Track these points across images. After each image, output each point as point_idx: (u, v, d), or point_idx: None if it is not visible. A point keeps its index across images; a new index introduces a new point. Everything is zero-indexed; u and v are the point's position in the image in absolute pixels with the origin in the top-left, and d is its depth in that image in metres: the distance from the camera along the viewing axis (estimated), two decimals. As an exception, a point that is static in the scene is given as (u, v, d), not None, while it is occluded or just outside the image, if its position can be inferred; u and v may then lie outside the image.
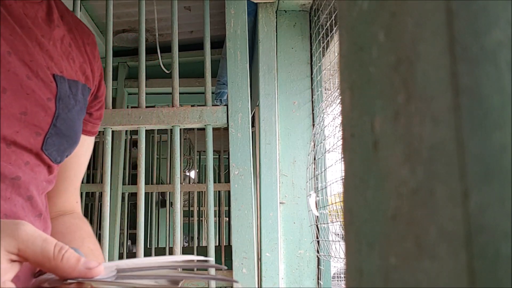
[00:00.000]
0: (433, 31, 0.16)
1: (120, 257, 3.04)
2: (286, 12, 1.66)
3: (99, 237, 1.21)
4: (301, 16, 1.66)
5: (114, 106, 2.58)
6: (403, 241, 0.17)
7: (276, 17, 1.65)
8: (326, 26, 1.45)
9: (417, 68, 0.17)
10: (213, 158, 1.65)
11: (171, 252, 1.59)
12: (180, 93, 1.49)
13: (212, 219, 1.40)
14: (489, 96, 0.15)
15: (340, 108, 0.23)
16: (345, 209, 0.22)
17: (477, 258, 0.14)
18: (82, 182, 3.42)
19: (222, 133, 3.69)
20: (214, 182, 3.55)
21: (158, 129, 3.32)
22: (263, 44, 1.61)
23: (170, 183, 3.33)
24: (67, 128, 0.64)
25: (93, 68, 0.74)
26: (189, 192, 4.87)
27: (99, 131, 1.64)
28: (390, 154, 0.18)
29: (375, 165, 0.19)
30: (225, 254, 3.01)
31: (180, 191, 1.44)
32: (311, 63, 1.64)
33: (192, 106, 2.26)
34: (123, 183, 2.91)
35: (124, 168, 2.97)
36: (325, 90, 1.64)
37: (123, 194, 2.99)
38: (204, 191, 3.66)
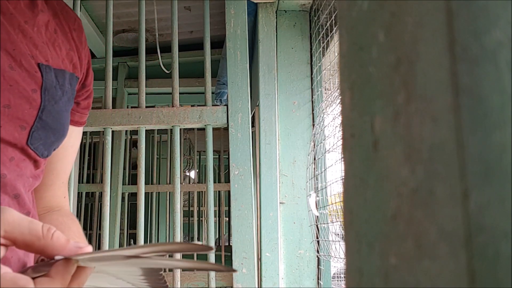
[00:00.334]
0: (433, 31, 0.16)
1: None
2: (286, 12, 1.66)
3: (99, 237, 1.21)
4: (301, 16, 1.66)
5: (114, 106, 2.58)
6: (403, 241, 0.17)
7: (276, 17, 1.65)
8: (326, 26, 1.45)
9: (417, 68, 0.17)
10: (213, 158, 1.65)
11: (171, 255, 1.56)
12: (180, 93, 1.49)
13: (212, 219, 1.40)
14: (489, 96, 0.15)
15: (340, 108, 0.23)
16: (345, 209, 0.22)
17: (477, 258, 0.14)
18: (82, 182, 3.41)
19: (222, 133, 3.69)
20: (214, 182, 3.55)
21: (158, 129, 3.32)
22: (263, 44, 1.61)
23: (170, 183, 3.33)
24: (53, 121, 0.61)
25: (80, 55, 0.69)
26: (189, 192, 4.87)
27: (99, 131, 1.63)
28: (390, 154, 0.18)
29: (375, 165, 0.19)
30: (225, 254, 3.00)
31: (180, 191, 1.44)
32: (311, 63, 1.64)
33: (192, 106, 2.26)
34: (123, 183, 2.91)
35: (124, 168, 2.97)
36: (325, 90, 1.64)
37: (123, 194, 2.99)
38: (204, 191, 3.66)
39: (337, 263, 1.72)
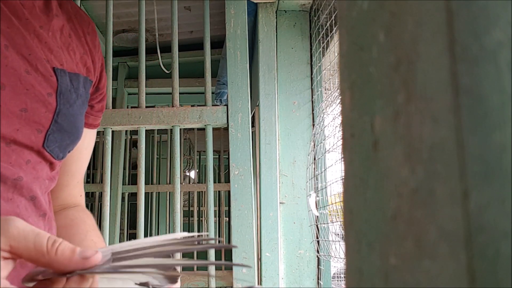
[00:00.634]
0: (433, 31, 0.16)
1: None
2: (286, 12, 1.66)
3: (99, 237, 1.21)
4: (301, 16, 1.66)
5: (114, 106, 2.58)
6: (403, 241, 0.17)
7: (276, 17, 1.65)
8: (326, 26, 1.45)
9: (417, 68, 0.17)
10: (213, 158, 1.65)
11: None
12: (180, 93, 1.49)
13: (212, 219, 1.40)
14: (489, 96, 0.15)
15: (340, 108, 0.23)
16: (345, 209, 0.22)
17: (477, 258, 0.14)
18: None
19: (222, 133, 3.69)
20: (214, 182, 3.55)
21: (158, 129, 3.32)
22: (263, 44, 1.61)
23: (170, 183, 3.33)
24: (68, 124, 0.62)
25: (94, 59, 0.71)
26: (189, 192, 4.87)
27: (99, 131, 1.64)
28: (390, 154, 0.18)
29: (375, 165, 0.19)
30: (225, 254, 3.01)
31: (180, 191, 1.44)
32: (311, 63, 1.64)
33: (192, 106, 2.26)
34: (123, 183, 2.91)
35: (124, 168, 2.97)
36: (325, 90, 1.64)
37: (123, 194, 2.99)
38: (204, 191, 3.66)
39: (337, 263, 1.72)
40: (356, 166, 0.21)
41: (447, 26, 0.16)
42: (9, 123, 0.55)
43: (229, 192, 1.50)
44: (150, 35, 2.41)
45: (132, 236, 4.04)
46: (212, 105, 1.43)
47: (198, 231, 3.85)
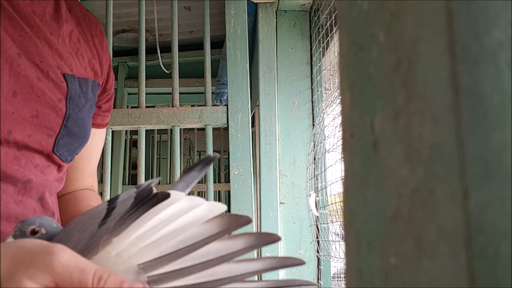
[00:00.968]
0: (433, 31, 0.16)
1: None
2: (286, 12, 1.66)
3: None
4: (301, 16, 1.66)
5: (114, 106, 2.58)
6: (403, 241, 0.17)
7: (276, 17, 1.65)
8: (326, 26, 1.45)
9: (417, 68, 0.17)
10: (213, 158, 1.64)
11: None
12: (180, 93, 1.49)
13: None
14: (489, 96, 0.15)
15: (340, 108, 0.23)
16: (345, 209, 0.22)
17: (477, 258, 0.14)
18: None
19: (222, 133, 3.69)
20: (214, 182, 3.55)
21: (158, 129, 3.32)
22: (263, 44, 1.61)
23: (170, 183, 3.33)
24: (77, 128, 0.64)
25: (101, 61, 0.72)
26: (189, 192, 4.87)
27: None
28: (390, 154, 0.18)
29: (375, 165, 0.19)
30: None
31: (180, 191, 1.44)
32: (311, 63, 1.64)
33: (192, 106, 2.26)
34: (123, 183, 2.91)
35: (124, 168, 2.97)
36: (325, 90, 1.64)
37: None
38: (204, 191, 3.66)
39: (337, 263, 1.72)
40: (356, 166, 0.21)
41: (447, 26, 0.16)
42: (22, 129, 0.57)
43: (229, 192, 1.50)
44: (150, 35, 2.41)
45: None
46: (212, 105, 1.43)
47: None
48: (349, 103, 0.21)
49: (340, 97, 0.23)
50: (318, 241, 1.54)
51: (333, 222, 1.50)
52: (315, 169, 1.55)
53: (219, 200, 4.01)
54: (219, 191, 3.93)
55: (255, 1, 1.60)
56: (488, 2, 0.15)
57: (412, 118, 0.17)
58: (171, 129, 1.45)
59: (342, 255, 1.35)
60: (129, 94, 2.78)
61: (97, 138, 0.77)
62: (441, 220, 0.15)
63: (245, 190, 1.35)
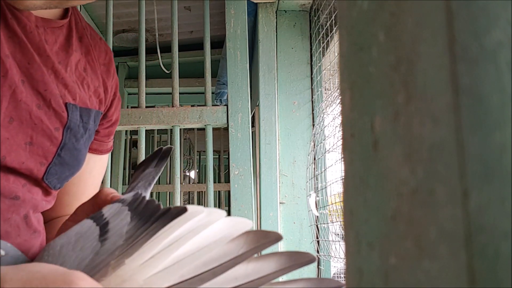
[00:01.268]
0: (433, 31, 0.16)
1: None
2: (286, 12, 1.66)
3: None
4: (301, 16, 1.66)
5: (114, 106, 2.58)
6: (403, 241, 0.17)
7: (276, 17, 1.65)
8: (326, 26, 1.45)
9: (417, 68, 0.17)
10: (213, 158, 1.65)
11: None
12: (180, 93, 1.49)
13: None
14: (489, 96, 0.15)
15: (340, 108, 0.23)
16: (345, 209, 0.22)
17: (477, 258, 0.14)
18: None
19: (222, 133, 3.69)
20: (214, 182, 3.55)
21: (158, 129, 3.32)
22: (263, 44, 1.61)
23: (170, 183, 3.33)
24: (71, 157, 0.64)
25: (106, 89, 0.72)
26: (189, 192, 4.87)
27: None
28: (390, 154, 0.18)
29: (375, 165, 0.19)
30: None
31: (180, 191, 1.44)
32: (311, 63, 1.64)
33: (192, 106, 2.26)
34: (123, 183, 2.91)
35: (124, 168, 2.97)
36: (325, 90, 1.64)
37: (123, 194, 2.99)
38: (204, 191, 3.66)
39: (337, 263, 1.72)
40: (356, 166, 0.21)
41: (447, 26, 0.16)
42: (16, 155, 0.57)
43: (229, 192, 1.50)
44: (150, 35, 2.41)
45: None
46: (212, 105, 1.43)
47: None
48: (349, 103, 0.21)
49: (340, 97, 0.23)
50: (318, 241, 1.54)
51: (333, 222, 1.50)
52: (315, 169, 1.55)
53: (219, 200, 4.01)
54: (219, 191, 3.93)
55: (255, 1, 1.60)
56: (488, 2, 0.15)
57: (412, 118, 0.17)
58: (171, 129, 1.45)
59: (342, 255, 1.35)
60: (129, 94, 2.78)
61: (93, 164, 0.75)
62: (441, 220, 0.15)
63: (245, 190, 1.35)
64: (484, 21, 0.15)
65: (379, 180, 0.19)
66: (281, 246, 1.56)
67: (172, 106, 1.44)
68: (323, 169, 1.51)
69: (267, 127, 1.57)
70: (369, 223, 0.19)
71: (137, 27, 1.93)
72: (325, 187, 1.50)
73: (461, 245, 0.15)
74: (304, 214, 1.57)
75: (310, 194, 1.56)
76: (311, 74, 1.63)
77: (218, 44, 2.35)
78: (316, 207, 1.55)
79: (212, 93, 2.05)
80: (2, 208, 0.55)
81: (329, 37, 1.44)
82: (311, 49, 1.65)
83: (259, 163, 1.59)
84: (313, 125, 1.60)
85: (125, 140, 2.93)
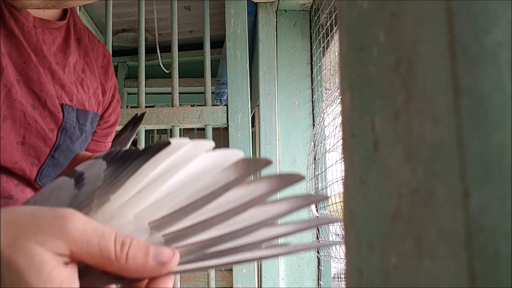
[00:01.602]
0: (433, 31, 0.16)
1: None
2: (286, 12, 1.66)
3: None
4: (301, 16, 1.66)
5: (114, 106, 2.58)
6: (403, 241, 0.17)
7: (276, 17, 1.65)
8: (326, 26, 1.45)
9: (417, 68, 0.17)
10: (213, 158, 1.64)
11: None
12: (180, 93, 1.49)
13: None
14: (489, 96, 0.15)
15: (340, 108, 0.23)
16: (345, 209, 0.22)
17: (477, 258, 0.14)
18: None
19: (222, 133, 3.68)
20: (214, 182, 3.54)
21: (158, 129, 3.32)
22: (263, 44, 1.61)
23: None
24: (65, 159, 0.63)
25: (104, 90, 0.72)
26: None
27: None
28: (390, 154, 0.18)
29: (375, 165, 0.19)
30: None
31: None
32: (311, 63, 1.64)
33: (192, 106, 2.26)
34: (123, 183, 2.90)
35: (124, 168, 2.96)
36: (325, 90, 1.64)
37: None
38: (204, 191, 3.65)
39: (338, 264, 1.72)
40: (356, 166, 0.21)
41: (447, 26, 0.16)
42: (10, 155, 0.57)
43: (229, 192, 1.49)
44: (150, 35, 2.41)
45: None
46: (212, 105, 1.43)
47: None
48: (349, 103, 0.21)
49: (340, 97, 0.23)
50: (318, 241, 1.53)
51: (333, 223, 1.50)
52: (315, 169, 1.55)
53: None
54: (219, 191, 3.92)
55: (255, 1, 1.60)
56: (488, 2, 0.15)
57: (412, 118, 0.17)
58: (171, 129, 1.45)
59: (342, 256, 1.35)
60: (128, 94, 2.78)
61: None
62: (441, 220, 0.15)
63: (245, 190, 1.35)
64: (484, 21, 0.15)
65: (379, 180, 0.19)
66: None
67: (172, 106, 1.44)
68: (323, 169, 1.51)
69: (267, 127, 1.57)
70: (369, 223, 0.19)
71: (137, 26, 1.94)
72: (325, 187, 1.50)
73: (461, 245, 0.15)
74: (304, 214, 1.57)
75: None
76: (311, 74, 1.63)
77: (218, 44, 2.35)
78: (316, 207, 1.55)
79: (212, 93, 2.05)
80: None
81: (329, 37, 1.44)
82: (311, 48, 1.65)
83: (259, 163, 1.59)
84: (313, 125, 1.60)
85: (125, 140, 2.93)
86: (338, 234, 1.65)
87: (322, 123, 1.53)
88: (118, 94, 0.77)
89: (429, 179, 0.16)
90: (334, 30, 1.39)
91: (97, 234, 0.33)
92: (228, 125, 1.40)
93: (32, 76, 0.59)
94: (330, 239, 1.46)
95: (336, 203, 1.45)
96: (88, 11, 2.24)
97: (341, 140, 0.23)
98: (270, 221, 0.35)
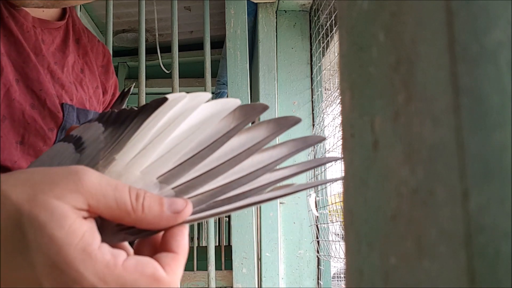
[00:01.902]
0: (433, 31, 0.16)
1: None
2: (286, 12, 1.66)
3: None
4: (301, 16, 1.66)
5: (114, 106, 2.58)
6: (403, 241, 0.17)
7: (276, 17, 1.65)
8: (326, 26, 1.45)
9: (417, 68, 0.17)
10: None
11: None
12: (180, 93, 1.49)
13: (212, 219, 1.40)
14: (489, 96, 0.15)
15: (340, 108, 0.23)
16: (345, 209, 0.22)
17: (477, 258, 0.14)
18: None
19: (222, 133, 3.68)
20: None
21: (158, 129, 3.31)
22: (263, 44, 1.61)
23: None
24: None
25: (105, 90, 0.73)
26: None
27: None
28: (390, 154, 0.18)
29: (375, 165, 0.19)
30: (225, 254, 3.01)
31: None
32: (311, 63, 1.64)
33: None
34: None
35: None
36: (325, 90, 1.64)
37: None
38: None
39: (337, 263, 1.72)
40: (356, 166, 0.21)
41: (447, 26, 0.16)
42: (9, 154, 0.57)
43: (229, 192, 1.49)
44: (150, 35, 2.41)
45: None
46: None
47: (198, 231, 3.84)
48: (349, 103, 0.21)
49: (340, 97, 0.23)
50: (318, 241, 1.54)
51: (333, 222, 1.50)
52: (315, 169, 1.55)
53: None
54: (219, 191, 3.92)
55: (255, 1, 1.60)
56: (488, 2, 0.15)
57: (412, 118, 0.17)
58: (171, 129, 1.45)
59: (342, 255, 1.35)
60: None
61: None
62: (441, 220, 0.15)
63: (245, 190, 1.35)
64: (484, 21, 0.15)
65: (379, 180, 0.19)
66: (281, 246, 1.56)
67: (172, 106, 1.44)
68: (323, 169, 1.51)
69: (267, 127, 1.57)
70: (369, 223, 0.19)
71: (137, 27, 1.94)
72: (325, 187, 1.50)
73: (461, 245, 0.15)
74: (304, 214, 1.57)
75: (310, 194, 1.55)
76: (311, 74, 1.63)
77: (218, 44, 2.35)
78: (316, 207, 1.55)
79: (212, 93, 2.05)
80: None
81: (329, 37, 1.44)
82: (311, 49, 1.65)
83: (259, 163, 1.59)
84: (313, 125, 1.60)
85: (125, 140, 2.93)
86: (338, 234, 1.65)
87: (322, 123, 1.53)
88: (119, 93, 0.78)
89: (429, 179, 0.16)
90: (334, 31, 1.39)
91: (111, 187, 0.33)
92: (228, 125, 1.40)
93: (31, 75, 0.59)
94: (330, 238, 1.46)
95: (336, 203, 1.45)
96: (88, 11, 2.24)
97: (341, 140, 0.23)
98: (272, 165, 0.36)
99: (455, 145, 0.15)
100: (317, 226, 1.54)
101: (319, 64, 1.59)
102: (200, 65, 1.68)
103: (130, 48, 2.64)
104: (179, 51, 1.51)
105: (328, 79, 1.64)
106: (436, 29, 0.16)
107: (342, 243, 1.35)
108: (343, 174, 0.22)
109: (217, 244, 3.93)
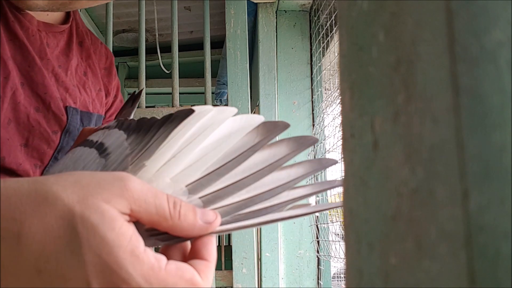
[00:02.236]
0: (433, 31, 0.16)
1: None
2: (286, 12, 1.66)
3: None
4: (301, 16, 1.66)
5: (114, 106, 2.58)
6: (403, 241, 0.17)
7: (276, 17, 1.65)
8: (326, 26, 1.45)
9: (417, 68, 0.17)
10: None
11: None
12: (180, 93, 1.49)
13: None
14: (489, 96, 0.15)
15: (340, 108, 0.23)
16: (345, 209, 0.22)
17: (477, 258, 0.14)
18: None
19: (222, 133, 3.68)
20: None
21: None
22: (263, 44, 1.61)
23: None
24: None
25: (108, 92, 0.73)
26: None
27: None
28: (390, 154, 0.18)
29: (375, 165, 0.19)
30: (225, 254, 3.01)
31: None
32: (311, 63, 1.64)
33: (192, 106, 2.26)
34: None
35: (124, 168, 2.96)
36: (325, 90, 1.64)
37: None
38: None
39: (337, 263, 1.72)
40: (356, 166, 0.21)
41: (447, 26, 0.16)
42: (14, 157, 0.57)
43: (229, 192, 1.49)
44: (150, 35, 2.41)
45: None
46: (212, 105, 1.43)
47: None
48: (349, 103, 0.21)
49: (340, 97, 0.23)
50: (318, 241, 1.54)
51: (333, 222, 1.50)
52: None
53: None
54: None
55: (255, 1, 1.60)
56: (488, 2, 0.15)
57: (412, 118, 0.17)
58: (171, 129, 1.45)
59: (342, 255, 1.35)
60: (129, 94, 2.78)
61: None
62: (441, 220, 0.15)
63: (245, 190, 1.35)
64: (484, 21, 0.15)
65: (379, 180, 0.19)
66: (281, 246, 1.56)
67: (172, 106, 1.44)
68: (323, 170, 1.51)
69: (267, 127, 1.57)
70: (369, 223, 0.19)
71: (137, 27, 1.94)
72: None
73: (461, 245, 0.15)
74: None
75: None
76: (311, 74, 1.63)
77: (218, 44, 2.35)
78: (316, 207, 1.54)
79: (212, 93, 2.05)
80: None
81: (329, 37, 1.44)
82: (311, 49, 1.65)
83: (259, 163, 1.58)
84: (313, 125, 1.60)
85: (125, 140, 2.93)
86: (338, 234, 1.65)
87: (322, 123, 1.53)
88: (121, 94, 0.78)
89: (429, 179, 0.16)
90: (334, 31, 1.39)
91: (152, 194, 0.34)
92: (228, 125, 1.40)
93: (36, 79, 0.60)
94: (330, 238, 1.46)
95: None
96: (88, 11, 2.24)
97: (341, 140, 0.23)
98: (292, 183, 0.38)
99: (455, 145, 0.15)
100: (317, 226, 1.54)
101: (319, 64, 1.59)
102: (200, 65, 1.68)
103: (130, 48, 2.64)
104: (179, 51, 1.51)
105: (328, 79, 1.64)
106: (436, 29, 0.16)
107: (342, 243, 1.35)
108: (343, 174, 0.22)
109: (217, 244, 3.93)
